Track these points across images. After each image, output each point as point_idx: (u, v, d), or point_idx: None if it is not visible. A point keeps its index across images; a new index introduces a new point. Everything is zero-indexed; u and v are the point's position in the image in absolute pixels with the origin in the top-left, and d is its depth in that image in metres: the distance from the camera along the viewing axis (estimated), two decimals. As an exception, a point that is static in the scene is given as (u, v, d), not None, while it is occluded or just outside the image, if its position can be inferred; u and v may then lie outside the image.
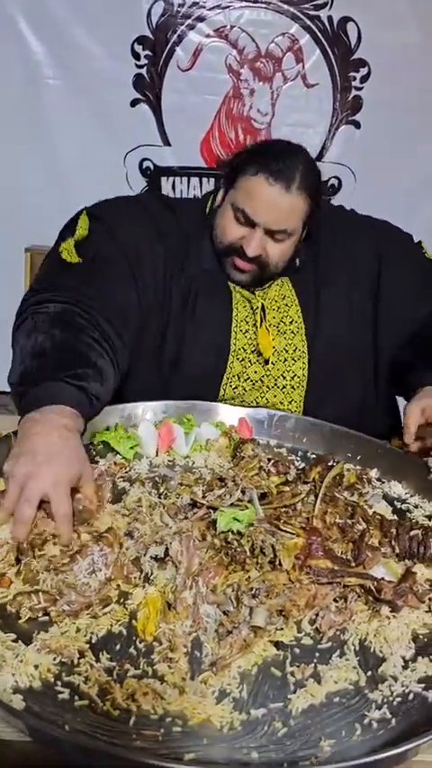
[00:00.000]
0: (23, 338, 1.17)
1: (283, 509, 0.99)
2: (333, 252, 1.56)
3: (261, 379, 1.48)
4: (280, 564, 0.89)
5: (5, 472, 0.93)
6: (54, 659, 0.77)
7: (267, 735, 0.71)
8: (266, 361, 1.47)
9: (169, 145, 3.01)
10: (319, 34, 2.90)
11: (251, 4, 2.86)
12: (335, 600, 0.89)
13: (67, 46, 2.81)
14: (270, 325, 1.48)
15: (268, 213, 1.36)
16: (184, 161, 3.03)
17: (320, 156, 3.00)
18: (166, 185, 3.06)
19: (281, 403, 1.48)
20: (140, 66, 2.90)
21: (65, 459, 0.94)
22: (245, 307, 1.49)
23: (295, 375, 1.49)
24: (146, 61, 2.90)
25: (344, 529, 0.98)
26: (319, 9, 2.86)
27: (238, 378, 1.47)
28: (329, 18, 2.87)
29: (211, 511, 0.99)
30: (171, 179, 3.06)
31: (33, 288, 1.34)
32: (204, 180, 3.06)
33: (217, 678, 0.76)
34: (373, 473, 1.26)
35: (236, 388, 1.48)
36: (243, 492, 1.02)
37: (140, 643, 0.81)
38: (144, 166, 3.03)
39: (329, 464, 1.09)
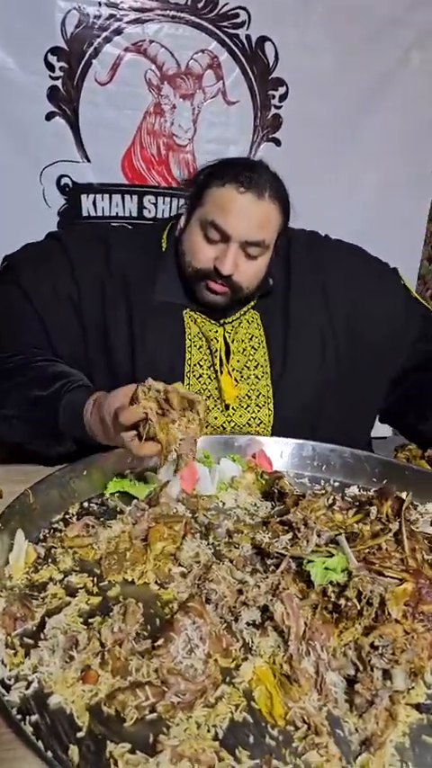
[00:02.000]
0: None
1: (368, 551, 0.91)
2: (305, 283, 1.48)
3: (223, 426, 1.38)
4: (389, 614, 0.82)
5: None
6: (191, 769, 0.64)
7: None
8: (227, 407, 1.38)
9: (89, 161, 2.87)
10: (237, 52, 2.89)
11: (169, 20, 2.80)
12: (443, 644, 0.83)
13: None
14: (233, 370, 1.39)
15: (242, 223, 1.27)
16: (104, 178, 2.90)
17: (243, 172, 3.00)
18: (86, 203, 2.91)
19: None
20: (55, 78, 2.74)
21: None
22: (200, 349, 1.39)
23: (261, 422, 1.40)
24: (61, 73, 2.74)
25: (433, 565, 0.92)
26: (238, 28, 2.86)
27: None
28: (248, 37, 2.87)
29: (290, 560, 0.90)
30: (92, 196, 2.91)
31: None
32: (127, 197, 2.95)
33: (377, 759, 0.67)
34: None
35: None
36: (319, 535, 0.93)
37: (273, 729, 0.70)
38: (62, 183, 2.86)
39: (396, 496, 1.04)
